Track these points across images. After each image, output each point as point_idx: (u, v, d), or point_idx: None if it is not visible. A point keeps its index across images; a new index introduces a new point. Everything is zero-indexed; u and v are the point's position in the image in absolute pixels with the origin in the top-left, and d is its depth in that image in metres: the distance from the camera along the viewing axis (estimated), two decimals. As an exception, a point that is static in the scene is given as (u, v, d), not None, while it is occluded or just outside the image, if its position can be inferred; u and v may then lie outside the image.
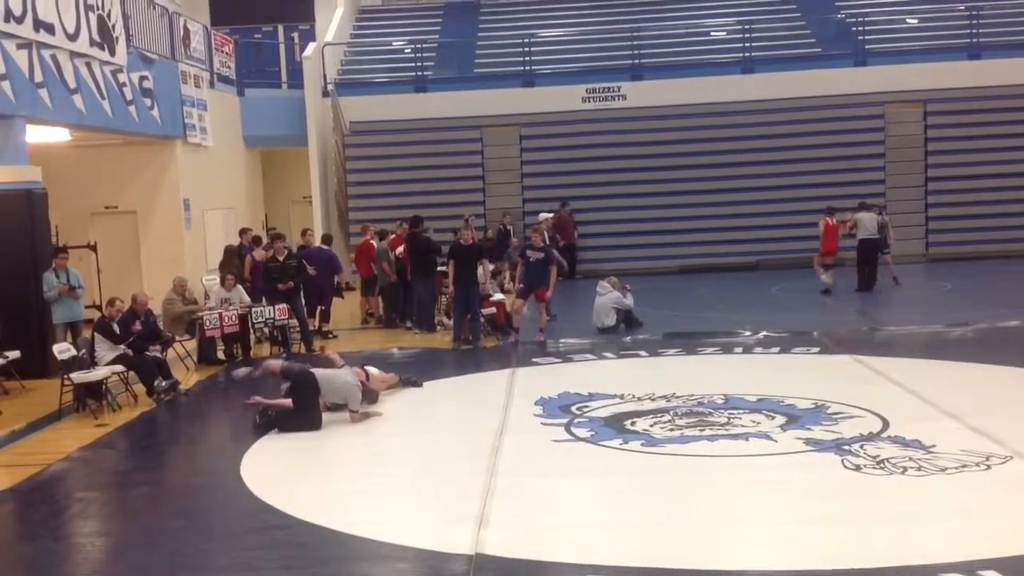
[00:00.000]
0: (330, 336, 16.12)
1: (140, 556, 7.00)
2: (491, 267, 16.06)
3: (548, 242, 16.02)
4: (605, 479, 8.19)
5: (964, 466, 7.86)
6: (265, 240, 17.43)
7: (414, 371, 12.63)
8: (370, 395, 10.76)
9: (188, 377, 13.40)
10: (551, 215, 19.82)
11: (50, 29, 14.02)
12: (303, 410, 10.11)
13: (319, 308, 16.34)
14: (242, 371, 11.46)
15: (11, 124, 13.38)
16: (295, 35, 27.35)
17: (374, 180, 23.32)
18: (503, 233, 21.44)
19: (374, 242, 17.08)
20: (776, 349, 13.37)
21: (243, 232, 17.67)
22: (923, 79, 23.05)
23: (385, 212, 20.94)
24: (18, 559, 7.12)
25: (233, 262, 16.08)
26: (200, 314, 14.36)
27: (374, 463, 9.25)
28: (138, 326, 12.22)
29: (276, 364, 11.21)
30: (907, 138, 23.35)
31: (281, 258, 15.25)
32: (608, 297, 15.37)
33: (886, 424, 9.20)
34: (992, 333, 13.79)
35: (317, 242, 17.36)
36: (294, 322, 15.09)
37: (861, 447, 8.51)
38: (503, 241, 21.05)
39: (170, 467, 9.99)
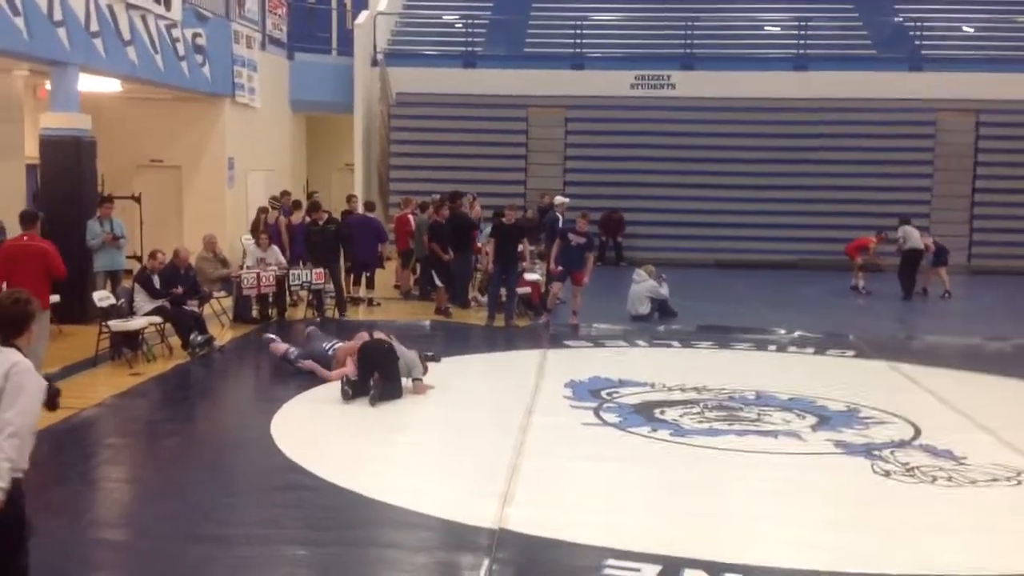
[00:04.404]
0: (374, 304, 16.16)
1: (167, 505, 7.09)
2: (532, 248, 16.02)
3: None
4: (632, 465, 8.19)
5: (995, 480, 7.79)
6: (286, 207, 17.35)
7: (444, 346, 12.67)
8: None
9: (223, 334, 13.51)
10: (567, 199, 19.75)
11: (108, -21, 14.12)
12: (390, 379, 10.05)
13: (364, 275, 16.35)
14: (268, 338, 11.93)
15: (65, 71, 13.52)
16: (348, 2, 27.32)
17: (417, 152, 23.33)
18: (543, 212, 21.32)
19: (412, 217, 17.05)
20: (811, 350, 13.28)
21: (283, 195, 17.70)
22: (977, 88, 22.69)
23: (426, 185, 20.84)
24: (47, 501, 7.20)
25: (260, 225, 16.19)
26: (238, 273, 14.48)
27: (403, 431, 9.31)
28: (179, 289, 12.34)
29: (281, 348, 11.48)
30: (957, 147, 23.04)
31: (321, 223, 15.39)
32: (643, 285, 15.32)
33: (918, 432, 9.12)
34: (1031, 349, 13.63)
35: (360, 209, 17.36)
36: (330, 287, 15.17)
37: (891, 453, 8.45)
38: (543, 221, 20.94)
39: (201, 420, 10.12)
